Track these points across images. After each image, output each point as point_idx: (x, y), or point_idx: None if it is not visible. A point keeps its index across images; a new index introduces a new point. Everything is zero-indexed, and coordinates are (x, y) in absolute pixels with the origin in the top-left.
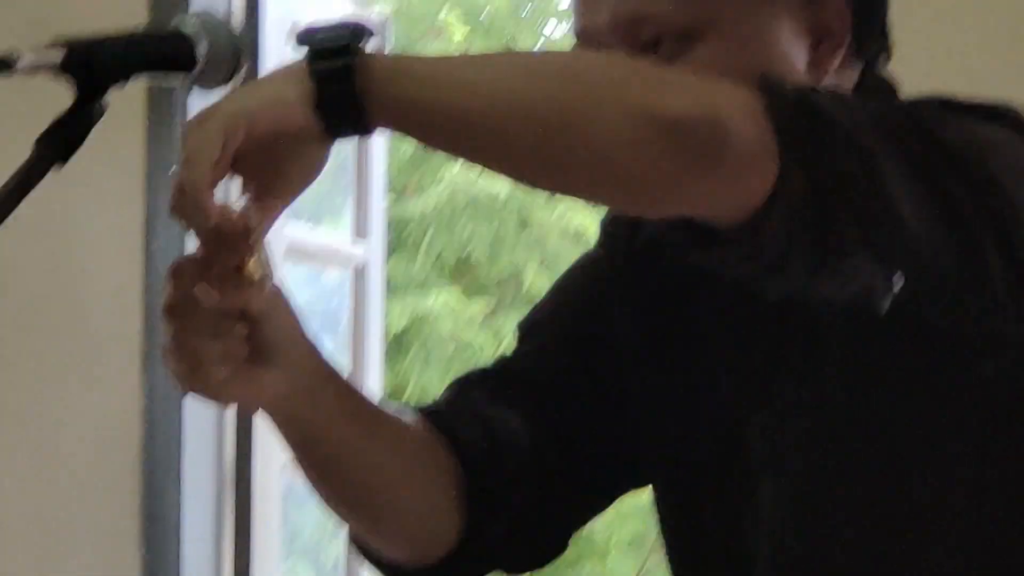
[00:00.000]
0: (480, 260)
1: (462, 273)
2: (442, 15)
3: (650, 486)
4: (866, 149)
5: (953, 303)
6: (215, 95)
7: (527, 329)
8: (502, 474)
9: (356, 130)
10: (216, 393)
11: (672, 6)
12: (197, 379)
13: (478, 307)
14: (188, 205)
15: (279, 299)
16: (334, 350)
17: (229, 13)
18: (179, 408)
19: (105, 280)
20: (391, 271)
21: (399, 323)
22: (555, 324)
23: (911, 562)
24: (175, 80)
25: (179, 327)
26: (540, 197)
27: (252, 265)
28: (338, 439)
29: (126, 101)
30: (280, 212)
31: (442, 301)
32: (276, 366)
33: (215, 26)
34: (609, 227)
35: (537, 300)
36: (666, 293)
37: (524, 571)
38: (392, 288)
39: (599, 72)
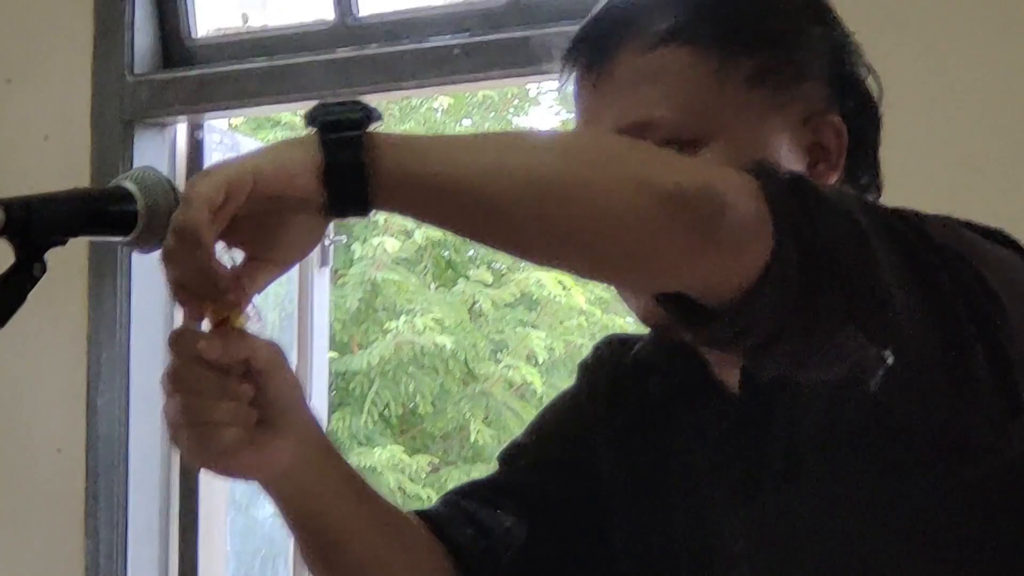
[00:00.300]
0: (425, 414)
1: (407, 427)
2: None
3: None
4: (858, 229)
5: (935, 394)
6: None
7: (508, 456)
8: (497, 569)
9: (357, 203)
10: (227, 463)
11: (676, 114)
12: (208, 447)
13: (423, 461)
14: (183, 247)
15: (279, 356)
16: None
17: (172, 167)
18: (123, 565)
19: (48, 437)
20: (336, 425)
21: None
22: (537, 449)
23: None
24: (115, 239)
25: (185, 393)
26: (485, 351)
27: (242, 320)
28: (341, 516)
29: (69, 258)
30: (269, 279)
31: (387, 455)
32: (283, 433)
33: (154, 185)
34: (597, 353)
35: (482, 454)
36: (648, 411)
37: None
38: (337, 443)
39: (602, 148)
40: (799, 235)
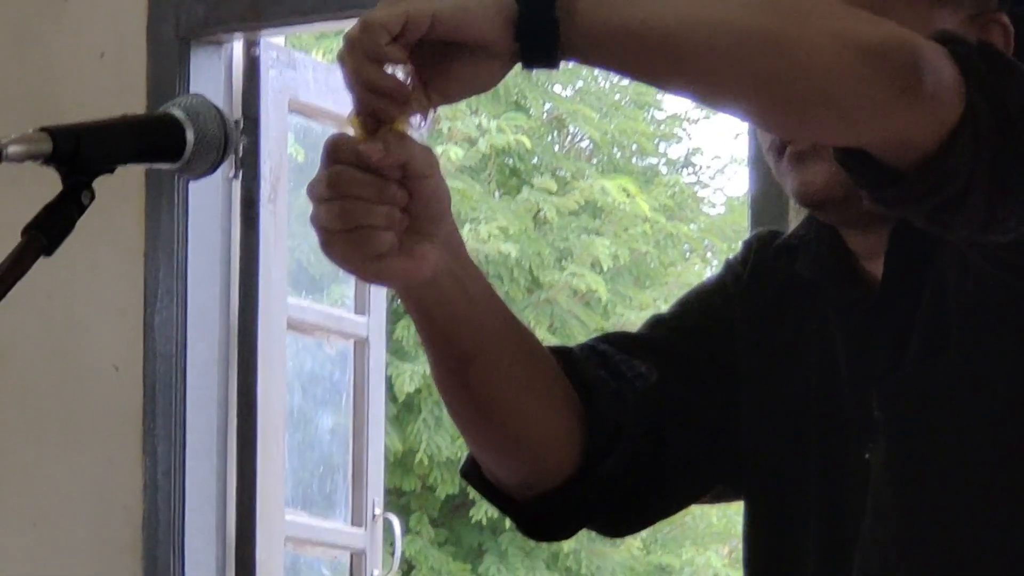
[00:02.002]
0: None
1: None
2: None
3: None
4: None
5: None
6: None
7: (650, 323)
8: (624, 409)
9: (548, 54)
10: (379, 267)
11: None
12: (363, 251)
13: None
14: (358, 63)
15: (434, 161)
16: (336, 421)
17: (228, 85)
18: (181, 482)
19: (106, 356)
20: (401, 334)
21: (409, 387)
22: (678, 317)
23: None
24: (164, 167)
25: (343, 197)
26: (549, 259)
27: (406, 126)
28: (478, 329)
29: (125, 175)
30: (437, 104)
31: None
32: (431, 239)
33: (203, 112)
34: (745, 244)
35: None
36: (791, 289)
37: (614, 531)
38: (402, 352)
39: (801, 2)
40: (991, 94)
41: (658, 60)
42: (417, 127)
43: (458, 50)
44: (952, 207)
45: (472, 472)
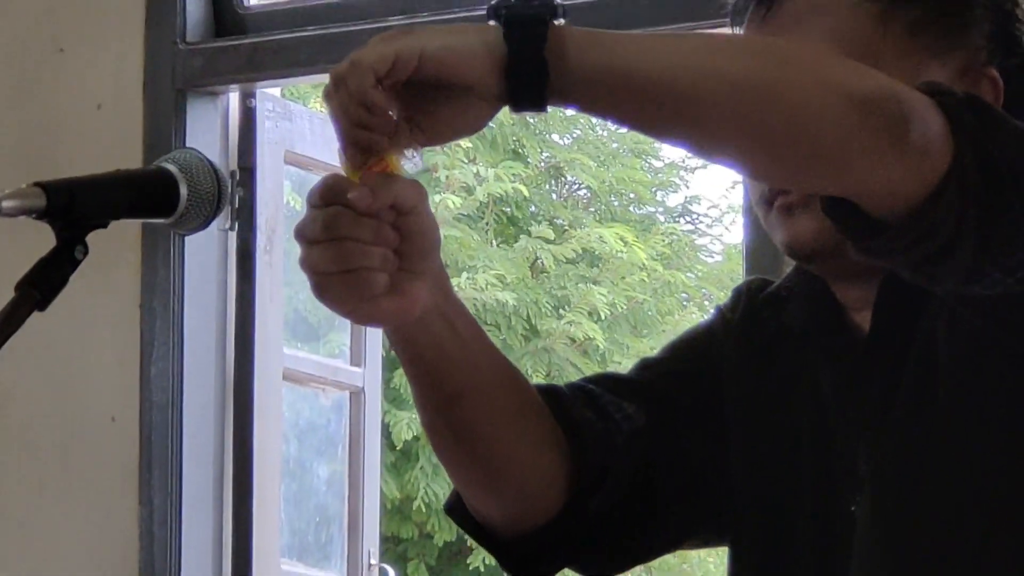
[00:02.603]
0: None
1: None
2: None
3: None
4: None
5: None
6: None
7: (638, 367)
8: (611, 450)
9: (535, 98)
10: (373, 310)
11: (838, 49)
12: (358, 294)
13: None
14: (346, 104)
15: (422, 197)
16: (332, 471)
17: (224, 136)
18: (177, 532)
19: (102, 407)
20: (399, 382)
21: (407, 434)
22: (667, 362)
23: None
24: (157, 221)
25: (340, 239)
26: (547, 307)
27: (398, 163)
28: (466, 368)
29: (121, 226)
30: (422, 144)
31: None
32: (421, 276)
33: (196, 167)
34: (735, 292)
35: None
36: (780, 338)
37: (597, 571)
38: (400, 400)
39: (791, 50)
40: (978, 146)
41: (646, 106)
42: (411, 158)
43: (446, 91)
44: (938, 259)
45: (457, 508)
